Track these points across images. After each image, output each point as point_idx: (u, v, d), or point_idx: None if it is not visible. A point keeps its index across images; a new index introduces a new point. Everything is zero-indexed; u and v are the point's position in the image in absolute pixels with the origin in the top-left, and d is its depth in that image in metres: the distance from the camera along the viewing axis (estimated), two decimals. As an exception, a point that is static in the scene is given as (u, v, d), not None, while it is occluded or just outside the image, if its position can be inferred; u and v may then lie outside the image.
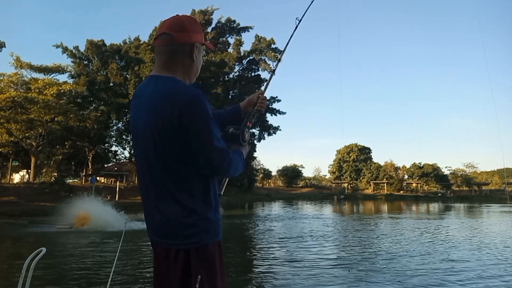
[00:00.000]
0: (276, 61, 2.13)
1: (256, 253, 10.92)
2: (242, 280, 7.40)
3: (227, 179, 1.63)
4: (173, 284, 1.35)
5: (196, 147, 1.34)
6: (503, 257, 9.79)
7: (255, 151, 49.13)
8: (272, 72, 2.11)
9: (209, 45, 1.59)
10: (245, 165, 1.54)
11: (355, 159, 74.51)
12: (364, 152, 75.52)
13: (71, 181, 37.86)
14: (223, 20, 42.66)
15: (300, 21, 2.18)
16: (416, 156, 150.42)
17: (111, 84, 39.57)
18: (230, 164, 1.41)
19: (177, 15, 1.48)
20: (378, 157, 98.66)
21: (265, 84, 2.03)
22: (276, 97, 45.35)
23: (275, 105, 45.21)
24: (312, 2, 2.36)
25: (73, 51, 39.75)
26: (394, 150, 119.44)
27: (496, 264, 8.83)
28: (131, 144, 43.32)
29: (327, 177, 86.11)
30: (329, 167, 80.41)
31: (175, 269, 1.34)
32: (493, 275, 7.73)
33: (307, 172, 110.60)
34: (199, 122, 1.32)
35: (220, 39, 43.16)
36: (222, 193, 1.57)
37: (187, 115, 1.30)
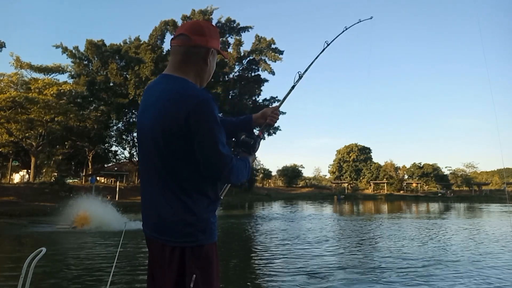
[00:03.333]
0: (298, 77, 2.09)
1: (255, 254, 10.91)
2: (242, 280, 7.40)
3: (228, 185, 1.62)
4: (167, 281, 1.35)
5: (199, 150, 1.34)
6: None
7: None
8: (292, 87, 2.11)
9: (224, 54, 1.59)
10: (250, 174, 1.52)
11: (355, 159, 74.49)
12: (364, 152, 75.49)
13: (71, 181, 37.85)
14: (223, 20, 42.63)
15: (328, 44, 2.27)
16: (416, 156, 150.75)
17: (111, 84, 39.58)
18: (232, 170, 1.39)
19: (197, 20, 1.52)
20: (378, 157, 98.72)
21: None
22: (276, 97, 45.22)
23: (275, 105, 45.09)
24: (343, 31, 2.43)
25: (73, 51, 39.75)
26: (394, 150, 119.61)
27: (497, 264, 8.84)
28: (131, 144, 43.39)
29: (327, 177, 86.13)
30: (329, 167, 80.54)
31: (170, 267, 1.34)
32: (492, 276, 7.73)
33: (307, 172, 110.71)
34: (205, 126, 1.32)
35: (220, 39, 43.11)
36: (222, 197, 1.56)
37: (194, 117, 1.30)
